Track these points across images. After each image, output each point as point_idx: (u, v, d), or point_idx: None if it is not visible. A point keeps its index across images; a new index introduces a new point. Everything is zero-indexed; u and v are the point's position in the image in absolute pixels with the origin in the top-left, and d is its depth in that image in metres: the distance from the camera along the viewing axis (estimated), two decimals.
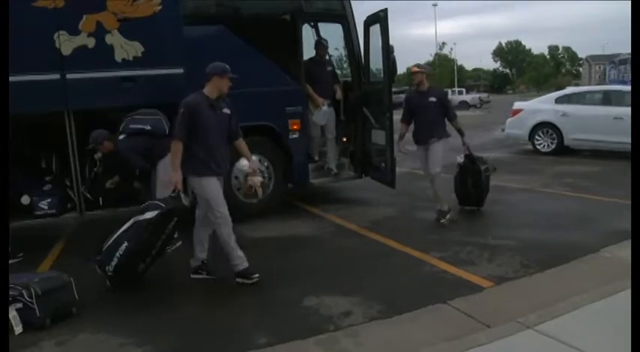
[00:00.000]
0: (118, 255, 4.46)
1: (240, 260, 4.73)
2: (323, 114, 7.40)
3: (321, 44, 7.79)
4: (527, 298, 4.09)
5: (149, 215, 4.50)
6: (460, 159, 6.86)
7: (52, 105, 5.73)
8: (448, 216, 6.41)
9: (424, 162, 6.53)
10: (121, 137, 5.73)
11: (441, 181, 6.43)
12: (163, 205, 4.55)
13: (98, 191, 6.26)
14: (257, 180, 5.10)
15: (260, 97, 6.76)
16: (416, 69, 6.44)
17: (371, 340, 3.59)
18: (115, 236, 4.52)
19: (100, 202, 6.27)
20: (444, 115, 6.43)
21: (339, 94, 7.75)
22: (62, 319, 4.03)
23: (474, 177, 6.78)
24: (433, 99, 6.34)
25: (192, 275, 4.90)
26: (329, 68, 7.84)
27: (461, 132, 6.56)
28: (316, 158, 7.74)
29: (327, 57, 8.10)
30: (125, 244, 4.46)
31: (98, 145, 5.75)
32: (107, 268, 4.51)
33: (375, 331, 3.70)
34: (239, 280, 4.70)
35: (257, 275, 4.71)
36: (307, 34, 8.01)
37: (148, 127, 5.80)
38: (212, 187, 4.63)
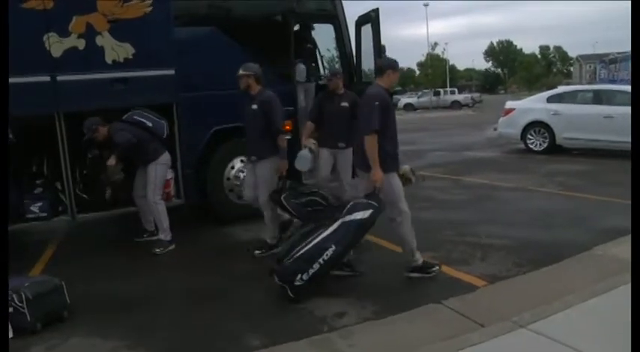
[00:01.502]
0: (321, 261, 4.17)
1: (419, 255, 4.67)
2: (301, 158, 6.12)
3: (336, 75, 6.26)
4: (521, 297, 4.09)
5: (360, 215, 4.28)
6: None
7: (43, 107, 5.68)
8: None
9: None
10: (120, 123, 5.79)
11: None
12: (375, 204, 4.34)
13: (93, 191, 6.23)
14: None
15: None
16: (240, 72, 5.40)
17: (365, 341, 3.58)
18: (317, 241, 4.23)
19: (107, 198, 6.25)
20: (268, 127, 5.37)
21: None
22: (53, 323, 3.99)
23: None
24: (254, 106, 5.38)
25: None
26: (344, 104, 6.07)
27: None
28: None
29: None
30: (332, 248, 4.19)
31: (93, 133, 5.69)
32: (299, 276, 4.16)
33: (369, 332, 3.69)
34: (415, 275, 4.63)
35: (436, 267, 4.68)
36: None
37: (150, 124, 5.85)
38: (398, 183, 4.55)
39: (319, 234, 4.27)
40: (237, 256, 5.63)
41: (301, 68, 7.40)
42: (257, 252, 5.56)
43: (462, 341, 3.39)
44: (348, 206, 4.39)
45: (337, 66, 7.99)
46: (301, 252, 4.21)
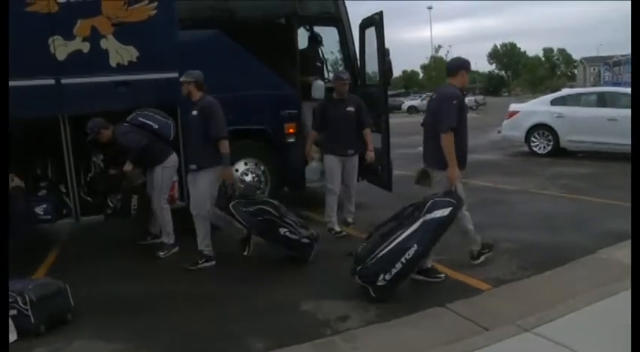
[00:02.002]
0: (403, 260, 4.13)
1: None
2: (312, 171, 6.63)
3: (339, 78, 6.32)
4: (525, 300, 4.08)
5: (440, 213, 4.26)
6: None
7: (47, 110, 5.69)
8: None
9: None
10: (125, 125, 5.75)
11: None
12: (454, 201, 4.36)
13: (98, 194, 6.22)
14: None
15: (255, 101, 6.75)
16: (181, 79, 5.34)
17: (368, 344, 3.58)
18: (398, 240, 4.19)
19: (134, 206, 6.13)
20: (209, 134, 5.19)
21: (370, 156, 6.31)
22: (57, 326, 3.99)
23: None
24: (195, 112, 5.23)
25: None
26: (350, 109, 6.17)
27: None
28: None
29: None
30: (414, 248, 4.15)
31: (96, 134, 5.65)
32: (382, 277, 4.13)
33: (373, 335, 3.69)
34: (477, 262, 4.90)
35: (442, 275, 4.74)
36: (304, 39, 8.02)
37: (156, 126, 5.79)
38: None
39: (400, 234, 4.24)
40: (241, 259, 5.62)
41: (318, 85, 7.30)
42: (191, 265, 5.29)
43: (467, 344, 3.38)
44: (428, 204, 4.32)
45: (341, 68, 7.98)
46: (383, 252, 4.18)
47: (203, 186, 5.20)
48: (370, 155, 6.34)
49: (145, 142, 5.65)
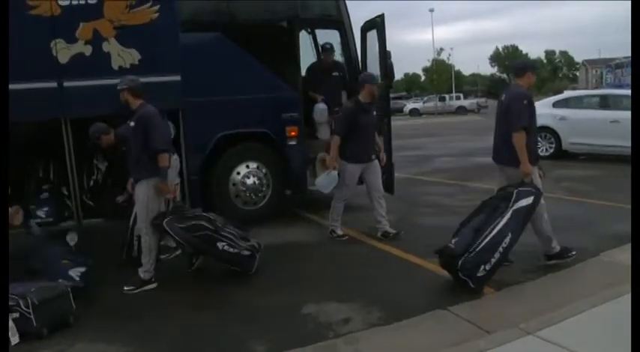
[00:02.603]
0: (501, 249, 4.38)
1: (555, 243, 4.93)
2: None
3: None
4: (528, 303, 4.06)
5: (525, 202, 4.52)
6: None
7: (49, 113, 5.71)
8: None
9: None
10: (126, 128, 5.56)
11: None
12: (534, 190, 4.60)
13: (100, 198, 6.23)
14: None
15: (257, 104, 6.77)
16: (118, 86, 4.97)
17: (370, 347, 3.57)
18: (494, 232, 4.39)
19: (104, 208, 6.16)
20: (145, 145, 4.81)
21: (384, 157, 6.44)
22: (59, 329, 3.99)
23: None
24: (132, 123, 4.89)
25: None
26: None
27: None
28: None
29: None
30: (509, 236, 4.41)
31: (96, 140, 5.38)
32: (482, 268, 4.32)
33: (375, 338, 3.68)
34: (554, 261, 4.92)
35: (573, 252, 4.93)
36: (305, 41, 8.03)
37: None
38: (537, 177, 4.81)
39: (495, 226, 4.44)
40: None
41: (320, 108, 7.34)
42: (126, 288, 4.86)
43: (469, 347, 3.38)
44: (514, 195, 4.56)
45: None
46: (482, 245, 4.36)
47: (141, 199, 4.86)
48: (383, 156, 6.35)
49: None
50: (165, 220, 4.78)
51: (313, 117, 7.32)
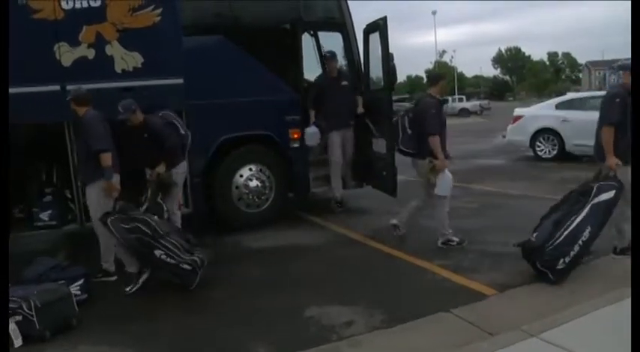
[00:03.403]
0: (580, 242, 4.49)
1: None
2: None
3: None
4: (531, 305, 4.05)
5: (606, 196, 4.62)
6: None
7: (53, 116, 5.72)
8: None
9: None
10: (160, 116, 5.67)
11: None
12: (616, 184, 4.68)
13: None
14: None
15: (260, 107, 6.77)
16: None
17: (373, 350, 3.57)
18: (573, 226, 4.50)
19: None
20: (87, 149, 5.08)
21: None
22: (62, 331, 4.00)
23: None
24: (80, 129, 5.23)
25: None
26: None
27: None
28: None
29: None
30: (588, 229, 4.53)
31: (132, 113, 5.36)
32: (562, 261, 4.45)
33: (378, 340, 3.67)
34: (621, 256, 4.92)
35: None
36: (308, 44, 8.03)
37: (182, 131, 5.74)
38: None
39: (574, 220, 4.55)
40: (245, 264, 5.63)
41: (311, 133, 7.09)
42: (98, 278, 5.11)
43: (472, 350, 3.37)
44: (594, 190, 4.66)
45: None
46: (560, 238, 4.48)
47: (91, 200, 5.16)
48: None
49: (177, 141, 5.60)
50: (110, 219, 4.83)
51: (305, 142, 7.09)
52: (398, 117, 5.93)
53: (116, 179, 5.14)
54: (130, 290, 4.89)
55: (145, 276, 5.01)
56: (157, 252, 4.76)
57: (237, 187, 6.84)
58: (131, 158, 5.49)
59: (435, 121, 5.53)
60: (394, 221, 5.89)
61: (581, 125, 11.41)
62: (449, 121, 6.52)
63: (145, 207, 5.37)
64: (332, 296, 4.50)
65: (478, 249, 5.61)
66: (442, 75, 6.78)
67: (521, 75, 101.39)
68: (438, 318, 3.94)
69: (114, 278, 5.23)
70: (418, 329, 3.81)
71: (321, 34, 8.17)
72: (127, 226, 4.79)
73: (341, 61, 8.15)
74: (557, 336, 3.39)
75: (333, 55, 7.52)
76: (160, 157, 5.52)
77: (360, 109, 7.34)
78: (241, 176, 6.87)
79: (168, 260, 4.77)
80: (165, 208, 5.51)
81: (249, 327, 4.03)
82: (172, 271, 4.85)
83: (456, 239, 5.73)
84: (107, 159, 4.97)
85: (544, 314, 3.73)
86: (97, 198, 5.09)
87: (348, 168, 7.58)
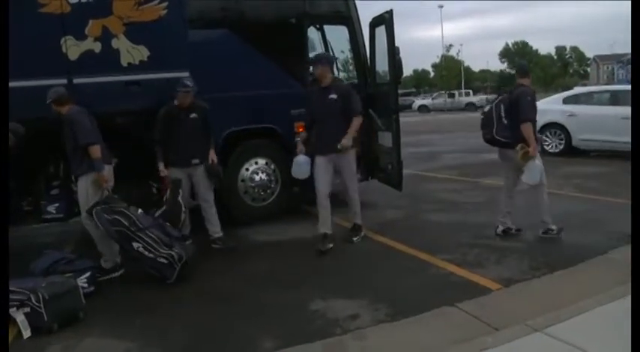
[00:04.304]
0: None
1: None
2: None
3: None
4: (536, 300, 4.05)
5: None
6: None
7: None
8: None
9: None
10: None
11: None
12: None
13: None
14: None
15: (265, 100, 6.78)
16: None
17: (378, 343, 3.58)
18: None
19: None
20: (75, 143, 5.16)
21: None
22: (69, 324, 4.04)
23: None
24: (65, 126, 5.25)
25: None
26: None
27: None
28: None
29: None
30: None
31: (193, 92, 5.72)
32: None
33: (383, 334, 3.69)
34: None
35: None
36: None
37: None
38: None
39: None
40: (251, 258, 5.66)
41: (300, 163, 5.92)
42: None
43: (476, 344, 3.37)
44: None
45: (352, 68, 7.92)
46: None
47: (81, 193, 5.20)
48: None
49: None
50: (95, 209, 4.96)
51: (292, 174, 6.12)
52: (492, 105, 5.86)
53: (108, 171, 5.25)
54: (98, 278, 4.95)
55: (115, 275, 5.19)
56: (135, 245, 4.89)
57: (242, 181, 6.86)
58: (185, 147, 5.75)
59: (530, 108, 5.53)
60: (502, 228, 5.90)
61: (588, 119, 11.39)
62: (455, 115, 6.48)
63: (163, 209, 5.48)
64: (337, 289, 4.52)
65: (483, 243, 5.61)
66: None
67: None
68: (442, 312, 3.95)
69: (118, 273, 5.25)
70: (423, 323, 3.82)
71: (326, 28, 8.15)
72: (109, 217, 4.91)
73: (347, 54, 8.13)
74: (562, 331, 3.40)
75: (319, 58, 6.09)
76: (208, 145, 5.84)
77: (345, 143, 5.60)
78: (247, 169, 6.88)
79: (146, 253, 4.89)
80: (183, 209, 5.59)
81: (254, 320, 4.05)
82: (150, 264, 4.94)
83: (554, 227, 5.69)
84: (96, 151, 5.06)
85: (549, 310, 3.73)
86: (87, 191, 5.15)
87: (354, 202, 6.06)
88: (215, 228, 5.97)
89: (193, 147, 5.80)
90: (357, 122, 5.69)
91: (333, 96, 5.69)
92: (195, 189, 5.93)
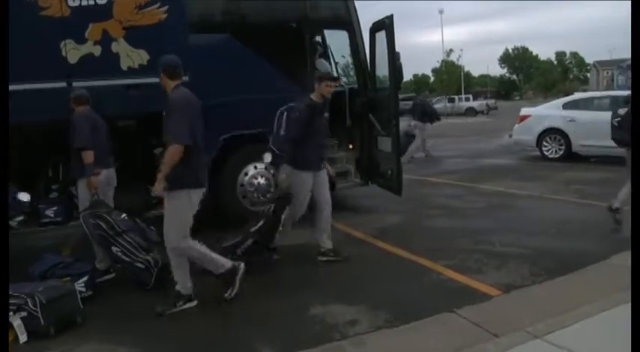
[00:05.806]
0: None
1: None
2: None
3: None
4: (536, 307, 4.03)
5: None
6: None
7: (59, 113, 5.73)
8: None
9: None
10: None
11: None
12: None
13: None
14: None
15: (265, 105, 6.76)
16: None
17: (377, 349, 3.56)
18: None
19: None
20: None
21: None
22: (67, 328, 4.01)
23: None
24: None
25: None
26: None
27: None
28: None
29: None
30: None
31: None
32: None
33: (382, 340, 3.66)
34: None
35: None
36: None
37: None
38: None
39: None
40: (249, 262, 5.62)
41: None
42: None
43: (476, 351, 3.35)
44: None
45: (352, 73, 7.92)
46: None
47: (80, 196, 5.31)
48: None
49: None
50: (83, 213, 5.07)
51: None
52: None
53: (106, 175, 5.31)
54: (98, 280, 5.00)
55: (106, 277, 5.21)
56: (114, 249, 4.94)
57: (241, 185, 6.85)
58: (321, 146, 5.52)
59: None
60: (617, 204, 6.04)
61: (588, 125, 11.38)
62: (455, 120, 6.48)
63: (260, 224, 5.33)
64: (336, 295, 4.50)
65: (483, 249, 5.59)
66: None
67: (529, 74, 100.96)
68: (442, 319, 3.92)
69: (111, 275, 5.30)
70: (422, 329, 3.80)
71: (327, 33, 8.17)
72: (93, 222, 4.98)
73: (348, 60, 8.15)
74: (563, 338, 3.37)
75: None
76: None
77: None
78: (246, 174, 6.87)
79: (124, 257, 4.93)
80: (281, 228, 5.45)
81: (253, 326, 4.03)
82: (127, 269, 4.97)
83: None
84: (89, 156, 5.10)
85: (549, 316, 3.71)
86: (83, 194, 5.24)
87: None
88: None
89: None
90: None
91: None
92: (315, 192, 5.47)
